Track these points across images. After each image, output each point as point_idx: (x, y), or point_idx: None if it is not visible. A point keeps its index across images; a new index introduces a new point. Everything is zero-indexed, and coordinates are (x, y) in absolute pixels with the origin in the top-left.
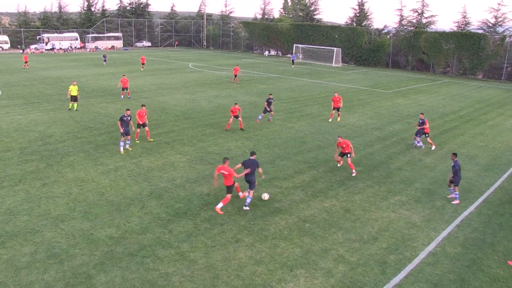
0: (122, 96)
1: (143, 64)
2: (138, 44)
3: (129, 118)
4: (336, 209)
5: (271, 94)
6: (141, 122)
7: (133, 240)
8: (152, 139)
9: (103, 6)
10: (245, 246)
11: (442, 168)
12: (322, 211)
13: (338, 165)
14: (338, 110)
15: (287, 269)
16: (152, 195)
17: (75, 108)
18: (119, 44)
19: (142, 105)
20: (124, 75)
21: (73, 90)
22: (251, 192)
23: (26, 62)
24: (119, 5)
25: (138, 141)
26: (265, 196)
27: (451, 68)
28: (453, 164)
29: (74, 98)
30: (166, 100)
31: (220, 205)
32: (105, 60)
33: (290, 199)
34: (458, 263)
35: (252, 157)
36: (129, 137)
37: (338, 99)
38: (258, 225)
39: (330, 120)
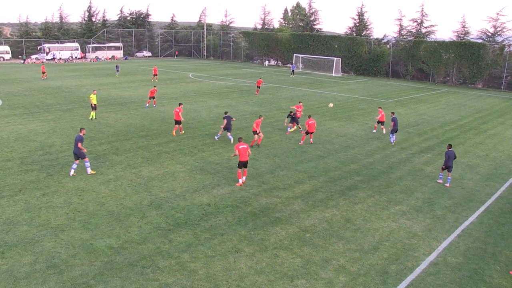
0: (147, 105)
1: (155, 75)
2: (139, 54)
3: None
4: (336, 219)
5: (291, 112)
6: (178, 119)
7: (133, 250)
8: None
9: (103, 17)
10: (245, 256)
11: (443, 178)
12: (322, 221)
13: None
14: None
15: (287, 280)
16: (152, 205)
17: (94, 117)
18: (119, 54)
19: (260, 116)
20: (180, 104)
21: (94, 99)
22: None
23: (44, 72)
24: (119, 15)
25: (183, 132)
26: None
27: (451, 77)
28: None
29: (94, 107)
30: (167, 110)
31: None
32: (117, 70)
33: (290, 209)
34: (460, 273)
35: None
36: (79, 160)
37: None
38: (258, 235)
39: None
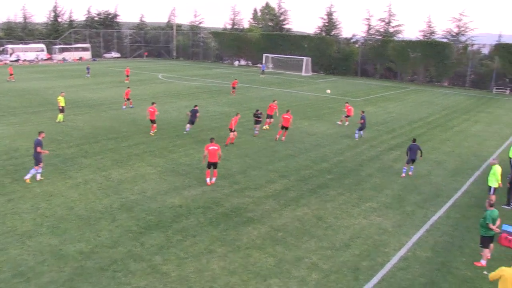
0: (124, 107)
1: (127, 76)
2: (107, 55)
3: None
4: (308, 217)
5: (258, 110)
6: (153, 118)
7: (104, 254)
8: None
9: (70, 17)
10: (218, 257)
11: (412, 174)
12: (294, 220)
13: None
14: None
15: (260, 279)
16: (123, 208)
17: (62, 120)
18: (87, 55)
19: (237, 113)
20: (153, 103)
21: (62, 101)
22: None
23: (11, 74)
24: (87, 16)
25: (152, 133)
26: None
27: (418, 76)
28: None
29: (61, 109)
30: (136, 112)
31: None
32: (88, 72)
33: (262, 209)
34: (429, 267)
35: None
36: (41, 164)
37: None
38: (230, 236)
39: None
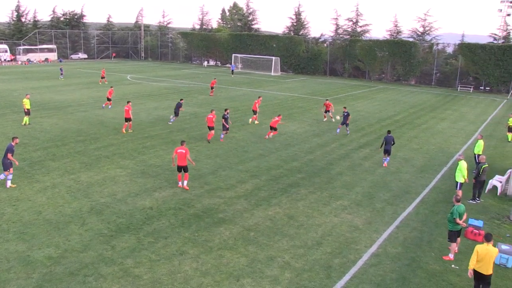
0: (104, 105)
1: (103, 77)
2: (74, 56)
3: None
4: (279, 216)
5: (227, 110)
6: (128, 117)
7: (74, 259)
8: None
9: (34, 17)
10: (190, 258)
11: (381, 172)
12: (266, 219)
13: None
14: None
15: (233, 279)
16: (93, 211)
17: (28, 123)
18: (53, 56)
19: (212, 110)
20: (128, 102)
21: (27, 104)
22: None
23: None
24: (52, 16)
25: (131, 130)
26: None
27: (385, 74)
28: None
29: (27, 112)
30: (105, 113)
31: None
32: (62, 73)
33: (233, 209)
34: (399, 262)
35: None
36: (11, 170)
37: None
38: (202, 237)
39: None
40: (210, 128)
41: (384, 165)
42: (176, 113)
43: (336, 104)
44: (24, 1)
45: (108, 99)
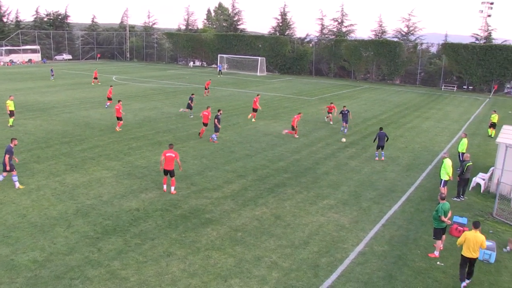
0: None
1: (95, 78)
2: (58, 57)
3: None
4: (266, 216)
5: (220, 110)
6: (119, 116)
7: (60, 262)
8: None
9: (17, 17)
10: (177, 259)
11: (367, 171)
12: (253, 219)
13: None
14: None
15: (221, 280)
16: (79, 213)
17: (11, 124)
18: (36, 57)
19: (208, 107)
20: (119, 101)
21: (11, 105)
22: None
23: None
24: (35, 16)
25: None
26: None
27: (371, 74)
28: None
29: (11, 113)
30: (90, 115)
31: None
32: (52, 75)
33: (220, 209)
34: (386, 260)
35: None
36: (14, 172)
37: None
38: (189, 238)
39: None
40: (204, 125)
41: (381, 159)
42: (189, 107)
43: (321, 104)
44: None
45: (109, 98)
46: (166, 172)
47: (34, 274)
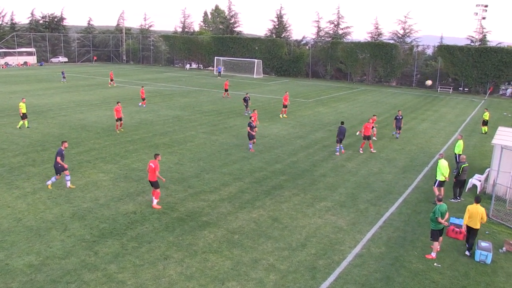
0: (143, 105)
1: (112, 80)
2: (54, 59)
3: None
4: (264, 219)
5: (251, 117)
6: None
7: (56, 266)
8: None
9: (12, 19)
10: (174, 262)
11: (364, 173)
12: (250, 222)
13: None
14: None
15: (218, 283)
16: (75, 217)
17: (26, 125)
18: (32, 60)
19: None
20: (118, 102)
21: (23, 108)
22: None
23: None
24: (31, 19)
25: (119, 131)
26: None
27: (367, 76)
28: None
29: (24, 116)
30: (86, 117)
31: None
32: (64, 77)
33: (217, 212)
34: (383, 262)
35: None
36: (67, 172)
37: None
38: (186, 240)
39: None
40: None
41: (340, 152)
42: (246, 105)
43: (318, 106)
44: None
45: (143, 99)
46: (150, 182)
47: (29, 278)
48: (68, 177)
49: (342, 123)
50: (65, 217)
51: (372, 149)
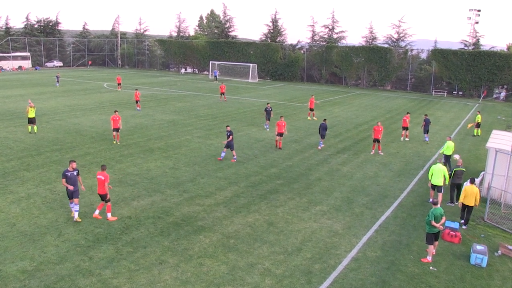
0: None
1: (119, 84)
2: (49, 64)
3: (75, 172)
4: (259, 223)
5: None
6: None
7: (50, 271)
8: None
9: (7, 24)
10: (170, 267)
11: (359, 177)
12: (245, 226)
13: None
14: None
15: (214, 287)
16: (69, 222)
17: (35, 131)
18: (27, 64)
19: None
20: (116, 111)
21: (31, 112)
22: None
23: None
24: (25, 23)
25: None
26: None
27: (362, 80)
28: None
29: (32, 120)
30: (81, 122)
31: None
32: (58, 81)
33: (213, 216)
34: (379, 266)
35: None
36: (76, 200)
37: (379, 129)
38: (182, 245)
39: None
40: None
41: (322, 146)
42: (268, 118)
43: (315, 110)
44: None
45: (136, 101)
46: (100, 196)
47: (23, 284)
48: (77, 207)
49: (325, 120)
50: (59, 222)
51: (380, 151)
